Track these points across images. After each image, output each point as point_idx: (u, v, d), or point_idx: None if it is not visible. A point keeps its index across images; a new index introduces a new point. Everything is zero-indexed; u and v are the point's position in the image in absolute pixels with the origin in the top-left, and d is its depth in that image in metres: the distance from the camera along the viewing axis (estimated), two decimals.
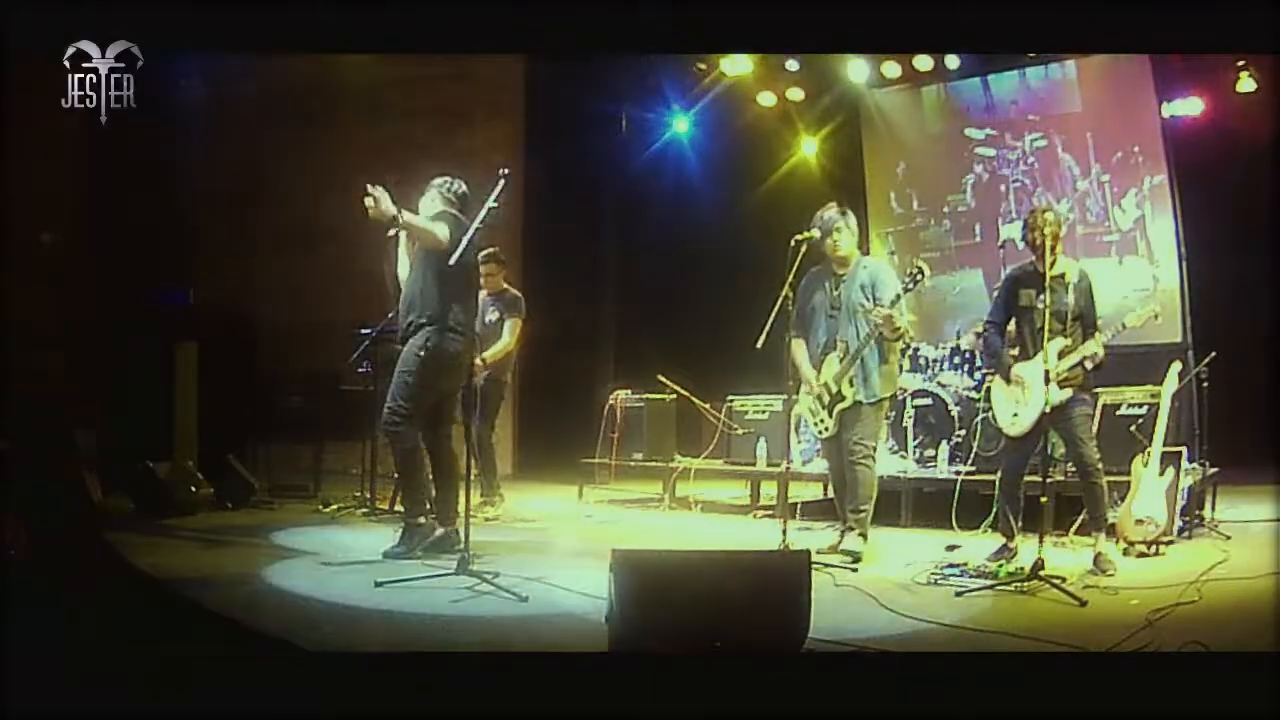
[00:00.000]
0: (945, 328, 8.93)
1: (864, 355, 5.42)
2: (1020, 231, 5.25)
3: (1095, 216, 9.01)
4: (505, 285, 7.15)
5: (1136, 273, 8.75)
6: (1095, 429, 5.45)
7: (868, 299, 5.44)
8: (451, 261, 4.93)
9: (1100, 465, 5.13)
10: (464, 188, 5.47)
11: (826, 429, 5.57)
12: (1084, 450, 5.11)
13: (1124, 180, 8.84)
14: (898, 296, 5.34)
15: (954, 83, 9.75)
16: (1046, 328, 4.89)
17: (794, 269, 5.30)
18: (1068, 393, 5.03)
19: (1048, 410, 4.91)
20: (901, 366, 7.38)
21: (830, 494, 6.22)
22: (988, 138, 9.64)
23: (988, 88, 9.58)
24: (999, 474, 5.44)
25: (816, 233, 5.44)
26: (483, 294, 6.69)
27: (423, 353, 5.21)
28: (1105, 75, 8.89)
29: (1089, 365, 5.03)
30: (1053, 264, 5.06)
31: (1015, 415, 5.18)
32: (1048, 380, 4.87)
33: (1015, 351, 5.31)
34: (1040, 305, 5.01)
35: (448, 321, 5.20)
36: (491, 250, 6.78)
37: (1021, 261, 5.39)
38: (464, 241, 4.93)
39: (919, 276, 5.37)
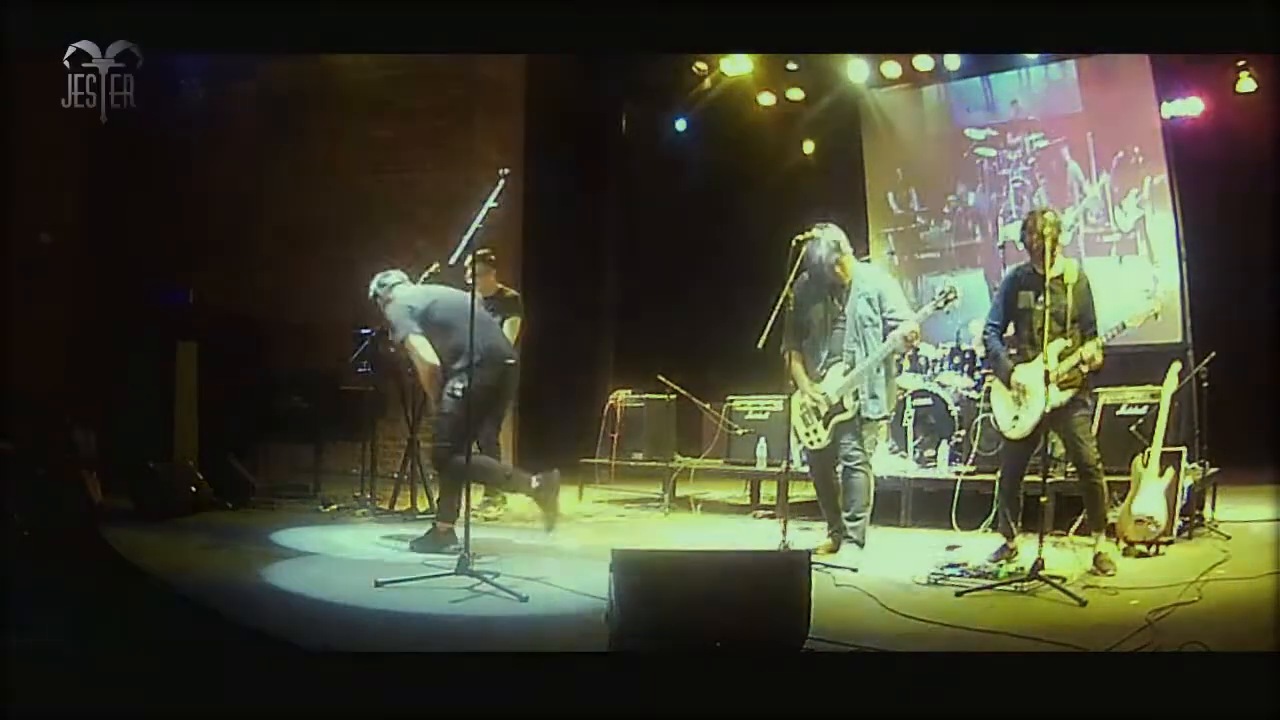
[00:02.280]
0: (945, 327, 8.92)
1: (877, 372, 5.39)
2: (1020, 233, 5.25)
3: (1096, 217, 8.99)
4: (500, 286, 7.12)
5: (1136, 273, 8.73)
6: (1095, 429, 5.44)
7: (875, 311, 5.39)
8: (452, 262, 4.93)
9: (1100, 465, 5.13)
10: (391, 275, 5.74)
11: (819, 440, 5.49)
12: (1083, 450, 5.11)
13: (1124, 180, 8.82)
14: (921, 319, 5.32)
15: (954, 83, 9.73)
16: (1046, 329, 4.89)
17: (795, 269, 5.29)
18: (1068, 394, 5.03)
19: (1048, 411, 4.91)
20: (901, 367, 7.38)
21: None
22: (988, 138, 9.63)
23: (988, 88, 9.56)
24: (999, 474, 5.44)
25: (817, 233, 5.41)
26: (479, 298, 6.67)
27: (458, 394, 5.25)
28: (1105, 75, 8.87)
29: (1085, 369, 5.02)
30: (1052, 265, 5.06)
31: (1016, 419, 5.17)
32: (1047, 382, 4.87)
33: (1014, 352, 5.31)
34: (1039, 307, 5.01)
35: (474, 358, 5.04)
36: (482, 252, 6.76)
37: (1020, 262, 5.39)
38: (463, 242, 4.93)
39: (951, 297, 5.30)
